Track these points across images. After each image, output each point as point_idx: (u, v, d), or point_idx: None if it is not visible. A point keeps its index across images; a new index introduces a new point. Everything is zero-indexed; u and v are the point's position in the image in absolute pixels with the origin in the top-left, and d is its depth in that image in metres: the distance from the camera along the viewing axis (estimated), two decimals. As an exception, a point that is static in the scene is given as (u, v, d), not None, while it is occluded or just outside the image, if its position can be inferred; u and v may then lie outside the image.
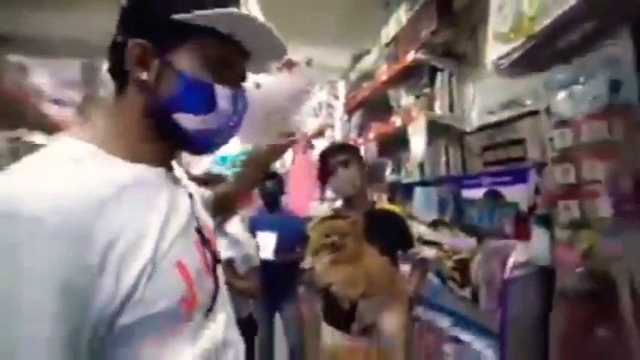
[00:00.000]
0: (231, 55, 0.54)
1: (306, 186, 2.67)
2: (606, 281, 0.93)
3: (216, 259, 0.60)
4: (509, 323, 1.14)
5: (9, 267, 0.36)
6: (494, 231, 1.36)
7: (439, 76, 1.78)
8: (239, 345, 0.60)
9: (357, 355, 1.21)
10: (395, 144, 2.19)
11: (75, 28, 2.30)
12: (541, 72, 0.94)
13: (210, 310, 0.54)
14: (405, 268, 1.42)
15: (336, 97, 3.09)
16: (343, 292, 1.16)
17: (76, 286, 0.38)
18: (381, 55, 2.30)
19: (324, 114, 3.25)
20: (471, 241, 1.42)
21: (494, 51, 0.91)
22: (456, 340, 1.39)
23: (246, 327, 1.56)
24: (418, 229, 1.73)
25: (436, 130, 1.75)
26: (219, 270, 0.61)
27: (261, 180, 0.94)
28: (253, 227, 2.10)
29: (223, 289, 0.61)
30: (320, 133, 3.23)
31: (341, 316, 1.19)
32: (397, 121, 2.03)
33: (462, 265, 1.34)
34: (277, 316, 2.21)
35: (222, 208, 0.93)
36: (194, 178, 0.83)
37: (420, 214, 1.89)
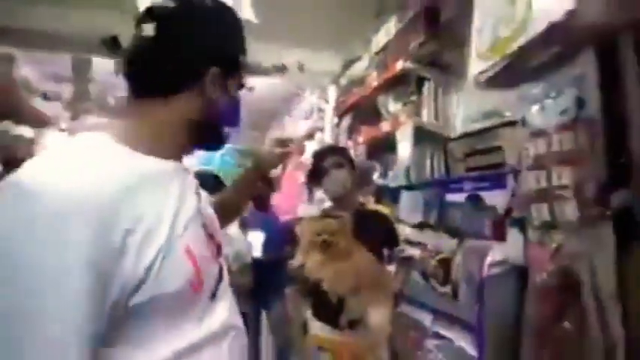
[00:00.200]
0: None
1: (296, 188, 2.72)
2: (572, 277, 1.03)
3: (219, 250, 0.66)
4: (487, 317, 1.23)
5: (43, 246, 0.40)
6: (474, 232, 1.46)
7: (426, 85, 1.88)
8: (242, 329, 0.66)
9: (344, 348, 1.28)
10: (383, 148, 2.28)
11: (68, 23, 2.29)
12: (516, 87, 1.04)
13: (214, 296, 0.60)
14: (391, 268, 1.49)
15: (327, 101, 3.16)
16: (332, 287, 1.22)
17: (102, 267, 0.42)
18: (372, 62, 2.38)
19: (315, 117, 3.32)
20: (453, 242, 1.50)
21: (475, 66, 1.00)
22: (438, 336, 1.47)
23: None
24: (404, 230, 1.81)
25: (422, 136, 1.84)
26: (222, 259, 0.67)
27: (259, 188, 0.98)
28: (243, 226, 2.14)
29: (226, 277, 0.67)
30: (310, 136, 3.30)
31: (330, 310, 1.25)
32: (385, 126, 2.11)
33: (444, 264, 1.42)
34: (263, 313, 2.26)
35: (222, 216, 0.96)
36: None
37: (406, 216, 1.97)
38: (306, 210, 2.61)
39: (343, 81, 2.87)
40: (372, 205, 2.06)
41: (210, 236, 0.63)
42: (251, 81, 1.01)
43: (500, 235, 1.33)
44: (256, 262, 2.03)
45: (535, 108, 1.10)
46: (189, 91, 0.59)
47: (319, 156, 1.45)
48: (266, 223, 2.20)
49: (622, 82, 0.93)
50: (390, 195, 2.21)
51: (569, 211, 1.01)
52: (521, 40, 0.85)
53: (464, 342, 1.32)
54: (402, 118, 1.95)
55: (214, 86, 0.60)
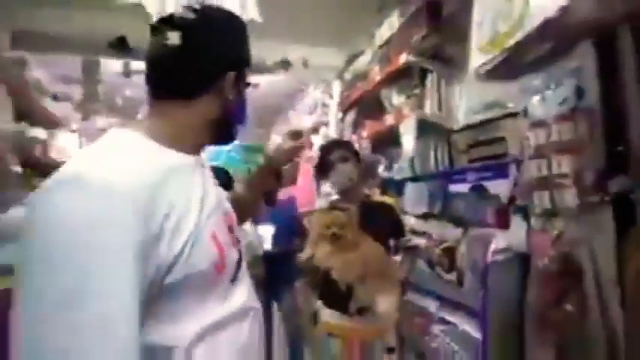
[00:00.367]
0: None
1: (310, 181, 2.73)
2: (572, 263, 1.07)
3: (238, 240, 0.71)
4: (491, 303, 1.27)
5: (95, 232, 0.44)
6: (478, 221, 1.49)
7: (429, 78, 1.90)
8: (260, 312, 0.71)
9: (353, 334, 1.33)
10: (387, 142, 2.31)
11: (77, 26, 2.34)
12: (515, 79, 1.07)
13: (235, 279, 0.65)
14: (397, 258, 1.54)
15: (331, 96, 3.19)
16: (342, 276, 1.27)
17: (144, 249, 0.48)
18: (375, 56, 2.41)
19: (319, 112, 3.36)
20: (458, 231, 1.54)
21: (475, 59, 1.03)
22: (444, 321, 1.52)
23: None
24: (409, 221, 1.85)
25: (426, 128, 1.87)
26: (242, 247, 0.72)
27: (270, 183, 1.00)
28: (254, 220, 2.20)
29: (244, 265, 0.72)
30: (315, 131, 3.34)
31: (339, 298, 1.30)
32: (389, 119, 2.14)
33: (449, 253, 1.47)
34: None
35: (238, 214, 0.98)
36: None
37: (412, 207, 2.01)
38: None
39: (347, 76, 2.89)
40: (377, 196, 2.11)
41: (230, 228, 0.68)
42: (255, 78, 1.05)
43: (503, 224, 1.37)
44: (267, 255, 2.09)
45: (536, 99, 1.14)
46: (207, 94, 0.64)
47: (325, 150, 1.49)
48: (275, 217, 2.25)
49: (620, 73, 0.96)
50: (395, 187, 2.25)
51: (569, 198, 1.05)
52: (519, 36, 0.88)
53: (469, 327, 1.36)
54: (406, 111, 1.98)
55: (230, 88, 0.66)
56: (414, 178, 2.06)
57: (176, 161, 0.59)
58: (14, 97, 2.10)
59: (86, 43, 2.40)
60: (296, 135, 0.99)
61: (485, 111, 1.53)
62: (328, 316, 1.38)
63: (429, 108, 1.87)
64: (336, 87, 3.10)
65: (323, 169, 1.48)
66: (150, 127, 0.61)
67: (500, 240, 1.30)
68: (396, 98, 2.21)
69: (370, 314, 1.29)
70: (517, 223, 1.30)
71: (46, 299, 0.42)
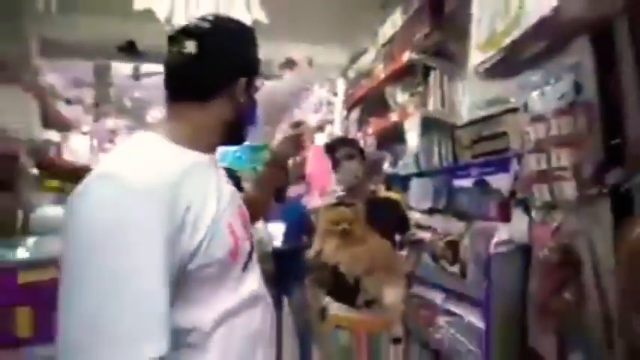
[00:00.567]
0: None
1: (325, 164, 2.72)
2: (572, 253, 1.10)
3: (251, 235, 0.77)
4: (494, 293, 1.31)
5: (128, 221, 0.50)
6: (481, 215, 1.53)
7: (432, 74, 1.93)
8: (269, 301, 0.77)
9: (361, 325, 1.38)
10: (392, 138, 2.34)
11: (89, 31, 2.41)
12: (513, 77, 1.10)
13: (245, 268, 0.70)
14: (402, 253, 1.58)
15: (335, 94, 3.23)
16: (349, 269, 1.31)
17: (170, 238, 0.53)
18: (378, 54, 2.44)
19: (324, 110, 3.40)
20: (461, 225, 1.58)
21: (474, 57, 1.06)
22: (449, 313, 1.56)
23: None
24: (414, 216, 1.89)
25: (430, 124, 1.91)
26: (254, 240, 0.77)
27: (283, 182, 1.05)
28: (264, 218, 2.25)
29: (255, 257, 0.77)
30: (320, 129, 3.38)
31: (347, 292, 1.35)
32: (394, 116, 2.18)
33: (453, 246, 1.51)
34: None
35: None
36: None
37: (417, 203, 2.05)
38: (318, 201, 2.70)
39: (351, 74, 2.93)
40: (383, 192, 2.14)
41: (243, 224, 0.74)
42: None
43: (505, 216, 1.40)
44: (276, 252, 2.15)
45: (535, 94, 1.17)
46: (221, 97, 0.70)
47: (331, 148, 1.53)
48: (284, 214, 2.29)
49: (617, 67, 0.99)
50: (400, 183, 2.28)
51: (568, 190, 1.08)
52: (515, 34, 0.91)
53: (473, 317, 1.40)
54: (410, 109, 2.01)
55: (242, 92, 0.71)
56: (419, 174, 2.10)
57: (193, 160, 0.64)
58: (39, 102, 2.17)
59: (97, 48, 2.48)
60: (296, 125, 1.02)
61: (488, 107, 1.55)
62: (337, 309, 1.43)
63: (433, 105, 1.90)
64: (341, 85, 3.14)
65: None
66: (170, 129, 0.67)
67: (502, 232, 1.33)
68: (400, 96, 2.24)
69: (377, 306, 1.34)
70: (518, 216, 1.33)
71: (89, 276, 0.48)
